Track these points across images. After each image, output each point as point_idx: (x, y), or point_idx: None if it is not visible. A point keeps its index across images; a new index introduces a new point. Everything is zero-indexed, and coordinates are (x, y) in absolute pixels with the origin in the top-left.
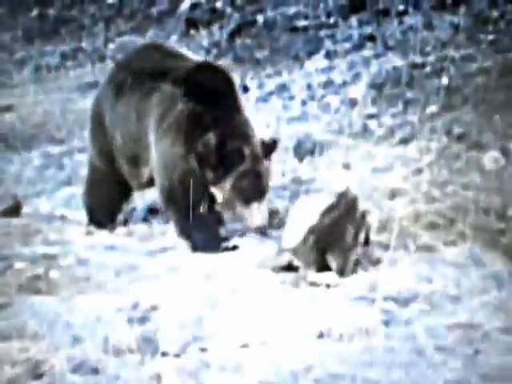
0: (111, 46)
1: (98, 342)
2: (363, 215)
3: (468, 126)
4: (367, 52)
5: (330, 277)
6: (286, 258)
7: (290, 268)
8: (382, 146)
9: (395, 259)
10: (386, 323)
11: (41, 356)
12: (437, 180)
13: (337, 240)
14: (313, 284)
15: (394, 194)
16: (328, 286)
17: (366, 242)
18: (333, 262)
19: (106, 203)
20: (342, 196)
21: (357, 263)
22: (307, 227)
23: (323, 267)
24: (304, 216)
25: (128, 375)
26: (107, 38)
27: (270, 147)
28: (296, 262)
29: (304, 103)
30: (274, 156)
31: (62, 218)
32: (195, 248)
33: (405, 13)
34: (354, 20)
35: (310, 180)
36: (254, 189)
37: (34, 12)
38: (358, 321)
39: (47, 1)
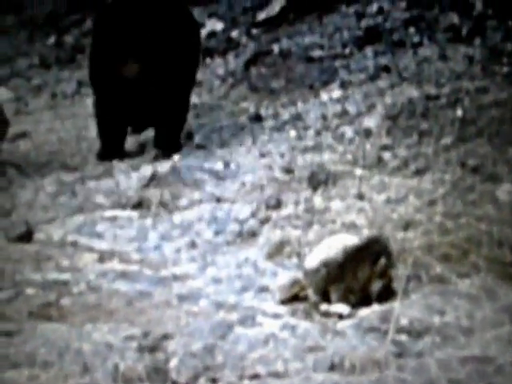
0: None
1: (108, 371)
2: (386, 255)
3: (482, 158)
4: (382, 83)
5: (342, 307)
6: (297, 288)
7: (301, 298)
8: (396, 177)
9: (408, 290)
10: (399, 355)
11: None
12: (451, 211)
13: (351, 271)
14: (325, 314)
15: (407, 225)
16: (340, 316)
17: (382, 273)
18: (346, 293)
19: None
20: (371, 241)
21: (370, 294)
22: (323, 258)
23: (336, 298)
24: (323, 250)
25: None
26: None
27: None
28: (308, 293)
29: (318, 133)
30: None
31: (74, 244)
32: None
33: (420, 44)
34: (369, 51)
35: (323, 210)
36: None
37: (51, 39)
38: (370, 352)
39: (64, 28)
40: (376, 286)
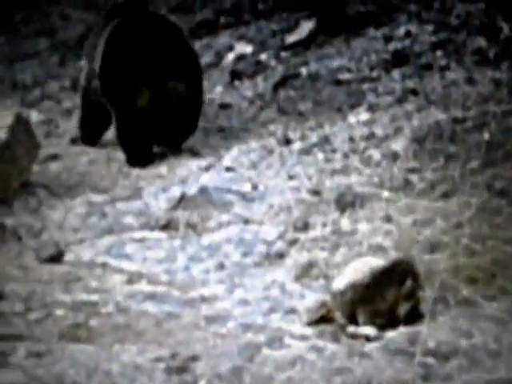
0: None
1: None
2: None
3: (509, 181)
4: (409, 106)
5: (369, 330)
6: (325, 310)
7: (328, 320)
8: (423, 200)
9: (435, 313)
10: (426, 378)
11: None
12: (477, 234)
13: (378, 293)
14: (352, 337)
15: (434, 248)
16: (367, 338)
17: (409, 296)
18: (373, 315)
19: None
20: (398, 263)
21: (397, 316)
22: (350, 280)
23: (363, 320)
24: (350, 272)
25: None
26: None
27: None
28: (335, 315)
29: (346, 156)
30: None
31: (103, 265)
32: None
33: (447, 67)
34: (396, 74)
35: (350, 232)
36: None
37: (83, 62)
38: (397, 375)
39: None
40: (403, 308)
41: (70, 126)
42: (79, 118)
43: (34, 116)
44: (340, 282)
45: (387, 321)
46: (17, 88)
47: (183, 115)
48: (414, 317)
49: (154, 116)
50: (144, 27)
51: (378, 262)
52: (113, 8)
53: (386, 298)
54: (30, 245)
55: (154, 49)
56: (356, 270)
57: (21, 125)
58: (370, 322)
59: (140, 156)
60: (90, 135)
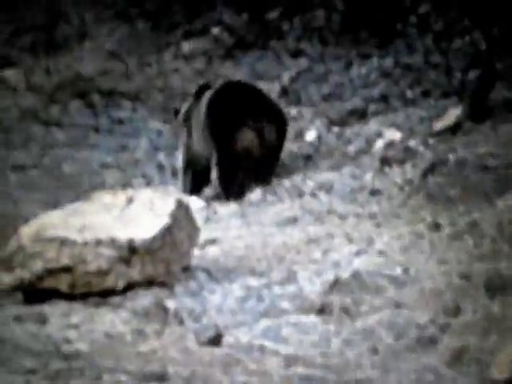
0: (309, 182)
1: None
2: None
3: None
4: None
5: None
6: None
7: None
8: None
9: None
10: None
11: None
12: None
13: None
14: None
15: None
16: None
17: None
18: None
19: None
20: None
21: None
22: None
23: None
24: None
25: None
26: (306, 175)
27: None
28: None
29: (494, 241)
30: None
31: (261, 348)
32: None
33: None
34: None
35: (501, 317)
36: None
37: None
38: None
39: None
40: None
41: (228, 210)
42: (185, 180)
43: (195, 202)
44: (498, 371)
45: None
46: (175, 175)
47: (274, 155)
48: None
49: (252, 154)
50: (237, 88)
51: None
52: (200, 87)
53: None
54: (191, 327)
55: (250, 101)
56: None
57: (182, 210)
58: None
59: (236, 191)
60: (194, 190)
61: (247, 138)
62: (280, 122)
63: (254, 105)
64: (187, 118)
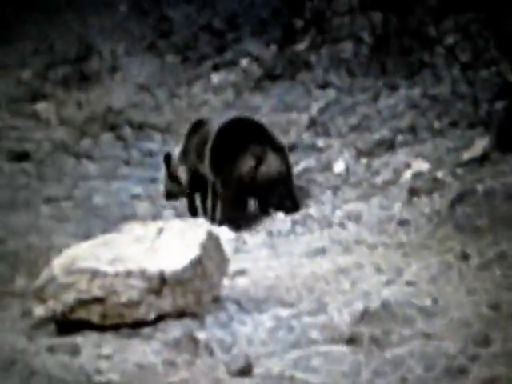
0: (338, 213)
1: None
2: None
3: None
4: None
5: None
6: None
7: None
8: None
9: None
10: None
11: None
12: None
13: None
14: None
15: None
16: None
17: None
18: None
19: None
20: None
21: None
22: None
23: None
24: None
25: None
26: (334, 205)
27: None
28: None
29: None
30: None
31: (291, 379)
32: None
33: None
34: None
35: None
36: None
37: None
38: None
39: None
40: None
41: (257, 241)
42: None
43: (224, 233)
44: None
45: None
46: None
47: (284, 182)
48: None
49: (254, 182)
50: (241, 122)
51: None
52: (195, 124)
53: None
54: (222, 358)
55: (253, 133)
56: None
57: (212, 241)
58: None
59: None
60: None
61: (247, 163)
62: (281, 152)
63: (257, 136)
64: (184, 157)
